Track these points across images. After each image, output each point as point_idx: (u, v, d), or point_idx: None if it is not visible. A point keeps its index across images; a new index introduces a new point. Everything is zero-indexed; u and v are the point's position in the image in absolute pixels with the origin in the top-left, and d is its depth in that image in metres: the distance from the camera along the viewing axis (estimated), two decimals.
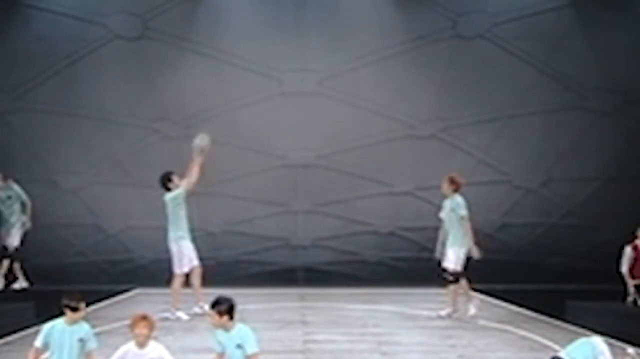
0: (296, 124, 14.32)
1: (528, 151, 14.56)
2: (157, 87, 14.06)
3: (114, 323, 9.65)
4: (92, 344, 6.24)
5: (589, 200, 14.78)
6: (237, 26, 13.87)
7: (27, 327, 9.29)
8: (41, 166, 14.43)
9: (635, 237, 11.25)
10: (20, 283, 13.22)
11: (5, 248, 13.03)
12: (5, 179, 13.06)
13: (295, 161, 14.68)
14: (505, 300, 12.13)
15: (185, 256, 10.47)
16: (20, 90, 14.03)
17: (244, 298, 11.54)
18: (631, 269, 11.19)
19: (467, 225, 10.31)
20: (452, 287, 10.54)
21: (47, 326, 6.20)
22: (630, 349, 7.41)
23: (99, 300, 11.84)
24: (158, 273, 12.18)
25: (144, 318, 6.12)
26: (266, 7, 13.91)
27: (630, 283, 11.19)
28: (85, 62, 13.88)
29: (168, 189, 10.47)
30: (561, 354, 6.51)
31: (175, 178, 10.48)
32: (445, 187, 10.50)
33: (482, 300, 11.51)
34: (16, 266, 13.18)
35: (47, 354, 6.21)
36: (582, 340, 6.59)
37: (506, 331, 9.66)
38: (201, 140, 10.50)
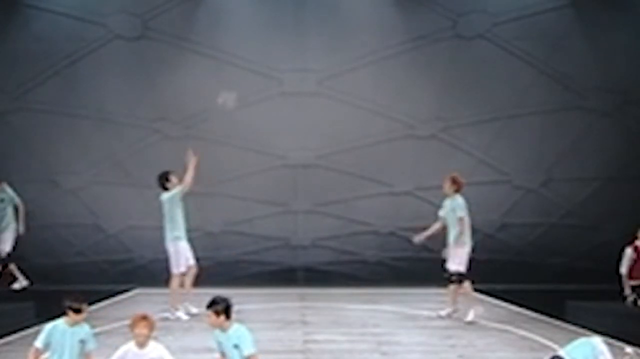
0: (296, 124, 14.32)
1: (528, 151, 14.56)
2: (157, 87, 14.06)
3: (114, 323, 9.66)
4: (91, 345, 6.28)
5: (589, 200, 14.78)
6: (237, 26, 13.86)
7: (27, 327, 9.30)
8: (41, 166, 14.43)
9: (636, 238, 11.23)
10: (20, 283, 13.18)
11: None
12: None
13: (295, 161, 14.67)
14: (505, 300, 12.13)
15: (182, 256, 10.47)
16: (20, 90, 14.03)
17: (244, 298, 11.61)
18: (631, 270, 11.18)
19: (466, 226, 10.30)
20: (452, 287, 10.53)
21: (48, 327, 6.21)
22: (629, 349, 7.41)
23: (99, 300, 11.83)
24: (158, 273, 12.17)
25: (144, 318, 6.13)
26: (266, 7, 13.91)
27: (628, 284, 11.18)
28: (85, 62, 13.88)
29: (165, 189, 10.46)
30: (561, 353, 6.51)
31: (173, 178, 10.46)
32: (447, 187, 10.51)
33: (482, 300, 11.54)
34: (12, 267, 13.06)
35: (47, 355, 6.22)
36: (581, 340, 6.60)
37: (506, 331, 9.67)
38: (224, 100, 10.45)
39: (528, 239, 15.24)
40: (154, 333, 6.23)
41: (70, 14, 13.65)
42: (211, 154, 13.86)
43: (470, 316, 10.20)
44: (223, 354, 6.25)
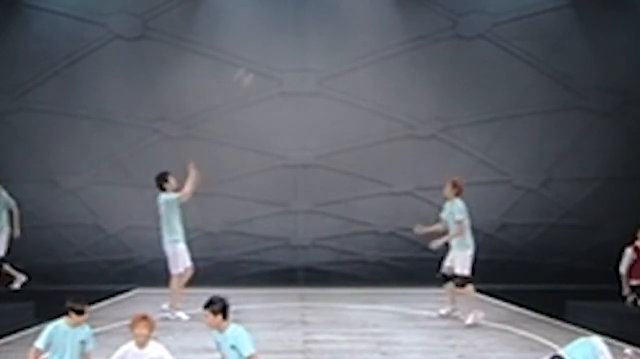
0: (296, 124, 14.32)
1: (528, 151, 14.56)
2: (157, 87, 14.06)
3: (114, 323, 9.65)
4: (90, 346, 6.30)
5: (589, 200, 14.79)
6: (237, 26, 13.86)
7: (27, 327, 9.30)
8: (41, 166, 14.43)
9: (636, 238, 11.23)
10: (19, 280, 13.07)
11: None
12: None
13: (295, 161, 14.68)
14: (505, 300, 12.13)
15: (180, 257, 10.47)
16: (20, 90, 14.03)
17: (244, 298, 11.62)
18: (630, 270, 11.18)
19: (465, 229, 10.28)
20: (449, 286, 10.52)
21: (49, 327, 6.22)
22: (628, 349, 7.42)
23: (99, 300, 11.83)
24: (158, 273, 12.16)
25: (144, 318, 6.14)
26: (266, 7, 13.91)
27: (627, 283, 11.17)
28: (85, 62, 13.87)
29: (163, 189, 10.41)
30: (561, 353, 6.51)
31: (171, 179, 10.41)
32: (448, 190, 10.50)
33: (482, 300, 11.54)
34: (7, 268, 12.95)
35: (47, 355, 6.23)
36: (581, 340, 6.60)
37: (506, 331, 9.66)
38: (240, 77, 10.46)
39: (528, 239, 15.25)
40: (154, 333, 6.24)
41: (70, 14, 13.64)
42: (211, 154, 13.91)
43: (469, 320, 10.17)
44: (222, 354, 6.24)
